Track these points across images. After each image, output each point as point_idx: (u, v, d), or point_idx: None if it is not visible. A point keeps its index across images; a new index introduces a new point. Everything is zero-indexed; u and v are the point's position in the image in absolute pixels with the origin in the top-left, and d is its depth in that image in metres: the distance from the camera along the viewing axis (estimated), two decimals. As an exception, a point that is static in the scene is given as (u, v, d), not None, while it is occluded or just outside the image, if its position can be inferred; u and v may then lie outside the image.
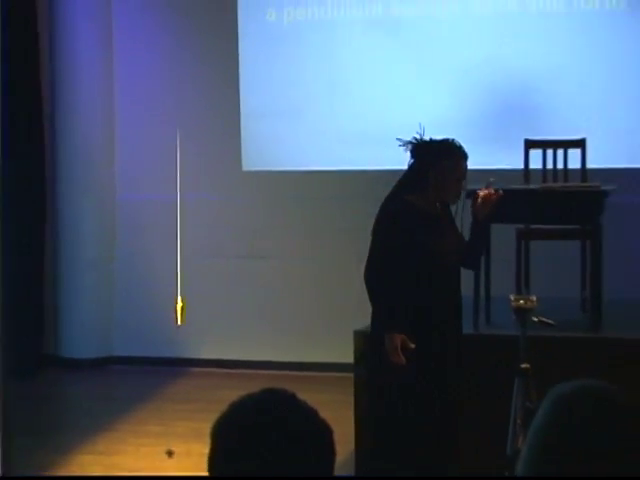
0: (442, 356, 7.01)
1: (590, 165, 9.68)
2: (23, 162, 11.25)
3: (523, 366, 6.78)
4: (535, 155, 9.48)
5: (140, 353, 12.18)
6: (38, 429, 9.51)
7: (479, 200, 7.22)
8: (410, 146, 7.37)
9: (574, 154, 9.66)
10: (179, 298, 10.78)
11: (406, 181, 7.45)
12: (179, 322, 10.94)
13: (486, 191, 7.15)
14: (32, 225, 11.83)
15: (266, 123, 12.05)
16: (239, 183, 12.09)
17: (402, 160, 11.37)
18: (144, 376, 11.73)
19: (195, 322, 11.56)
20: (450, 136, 7.29)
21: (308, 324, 11.65)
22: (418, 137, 7.35)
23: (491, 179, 7.32)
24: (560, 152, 9.56)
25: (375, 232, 7.47)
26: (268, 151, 12.08)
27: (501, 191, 7.19)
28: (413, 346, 6.97)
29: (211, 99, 12.06)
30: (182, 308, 10.91)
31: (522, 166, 9.46)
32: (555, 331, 7.24)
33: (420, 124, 7.46)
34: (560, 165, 9.58)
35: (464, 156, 7.26)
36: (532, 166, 9.47)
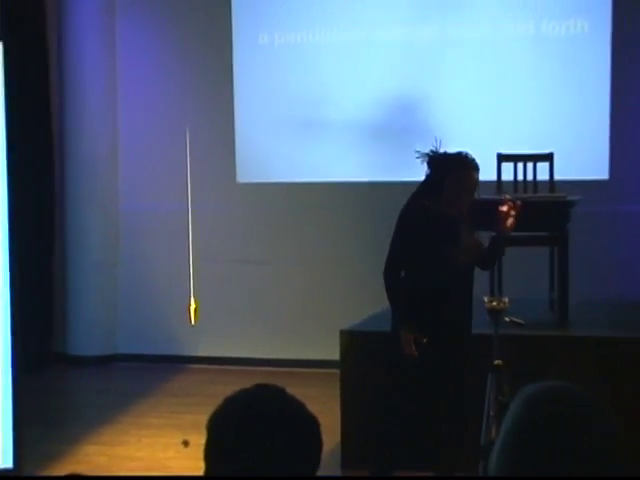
0: (452, 351, 7.01)
1: (557, 177, 9.70)
2: (34, 174, 11.26)
3: (496, 362, 6.78)
4: (507, 168, 9.49)
5: (142, 351, 12.17)
6: (46, 421, 9.50)
7: (501, 215, 7.23)
8: (427, 158, 7.36)
9: (543, 167, 9.69)
10: (192, 300, 10.81)
11: (423, 190, 7.44)
12: (193, 322, 10.97)
13: (506, 207, 7.15)
14: (41, 232, 11.83)
15: (259, 139, 12.07)
16: (234, 194, 12.10)
17: (387, 172, 11.47)
18: (145, 372, 11.71)
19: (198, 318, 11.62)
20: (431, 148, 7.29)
21: (297, 324, 11.66)
22: (434, 149, 7.35)
23: (506, 195, 7.32)
24: (530, 165, 9.59)
25: (393, 235, 7.45)
26: (260, 165, 12.08)
27: (519, 202, 7.21)
28: (425, 340, 7.01)
29: (208, 116, 12.05)
30: (195, 309, 10.94)
31: (495, 178, 9.46)
32: (525, 330, 7.24)
33: (436, 138, 7.46)
34: (530, 177, 9.60)
35: (475, 168, 7.25)
36: (504, 178, 9.47)
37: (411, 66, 11.61)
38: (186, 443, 8.77)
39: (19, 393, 8.12)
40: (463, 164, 7.27)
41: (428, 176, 7.40)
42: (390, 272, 7.33)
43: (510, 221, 7.21)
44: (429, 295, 7.10)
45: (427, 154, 7.37)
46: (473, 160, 7.29)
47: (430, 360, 7.00)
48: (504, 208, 7.19)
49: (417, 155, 7.42)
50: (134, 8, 12.40)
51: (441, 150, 7.35)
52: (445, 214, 7.24)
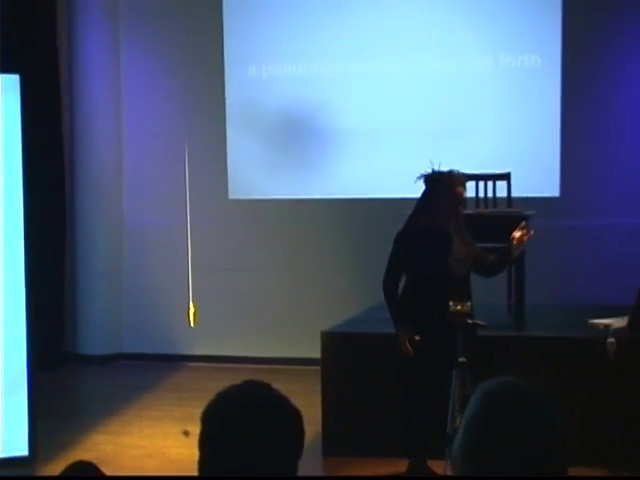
0: (442, 349, 7.00)
1: (514, 194, 9.72)
2: (48, 192, 11.22)
3: (460, 360, 6.76)
4: (469, 186, 9.48)
5: (145, 350, 12.11)
6: (58, 413, 9.45)
7: (514, 242, 7.23)
8: (421, 177, 7.40)
9: (501, 185, 9.70)
10: (191, 304, 10.80)
11: (418, 205, 7.48)
12: (192, 324, 10.97)
13: (519, 233, 7.14)
14: (54, 244, 11.80)
15: (248, 161, 12.06)
16: (226, 209, 12.09)
17: (363, 191, 11.47)
18: (147, 369, 11.66)
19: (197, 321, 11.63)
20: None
21: (282, 326, 11.62)
22: (430, 170, 7.34)
23: (523, 223, 7.30)
24: (490, 183, 9.58)
25: (391, 250, 7.52)
26: (249, 183, 12.07)
27: (532, 232, 7.23)
28: (418, 338, 7.08)
29: (203, 141, 12.03)
30: (194, 313, 10.94)
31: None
32: (486, 331, 7.23)
33: (430, 160, 7.47)
34: (490, 194, 9.61)
35: (457, 184, 7.27)
36: (467, 194, 9.48)
37: (385, 95, 11.61)
38: (187, 433, 8.75)
39: (34, 388, 8.13)
40: (445, 181, 7.28)
41: (422, 192, 7.47)
42: (387, 282, 7.43)
43: (521, 247, 7.25)
44: (425, 299, 7.11)
45: (423, 174, 7.41)
46: (458, 177, 7.34)
47: (428, 356, 7.01)
48: (517, 234, 7.22)
49: (417, 176, 7.46)
50: (137, 41, 12.38)
51: (436, 170, 7.38)
52: (435, 228, 7.27)
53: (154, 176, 12.22)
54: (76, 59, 12.38)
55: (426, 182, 7.36)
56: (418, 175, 7.44)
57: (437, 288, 7.10)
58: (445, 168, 7.41)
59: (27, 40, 11.72)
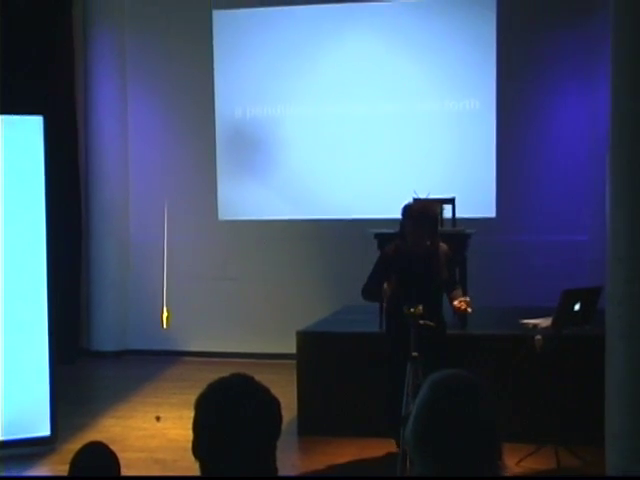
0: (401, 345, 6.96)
1: (458, 215, 9.73)
2: (66, 216, 11.17)
3: (414, 354, 6.74)
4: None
5: (147, 347, 12.06)
6: (75, 400, 9.40)
7: (455, 310, 7.16)
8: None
9: (447, 208, 9.71)
10: (165, 308, 10.75)
11: (400, 229, 7.40)
12: (165, 326, 10.91)
13: (460, 305, 6.99)
14: (72, 258, 11.77)
15: (234, 188, 12.07)
16: (216, 228, 12.10)
17: (330, 212, 11.47)
18: (149, 363, 11.60)
19: (185, 324, 11.63)
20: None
21: (263, 326, 11.61)
22: (412, 198, 7.33)
23: (467, 298, 7.17)
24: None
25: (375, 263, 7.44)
26: (235, 206, 12.08)
27: (470, 310, 7.07)
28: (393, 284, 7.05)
29: (197, 173, 12.06)
30: (167, 317, 10.88)
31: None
32: (434, 329, 7.23)
33: (414, 190, 7.50)
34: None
35: (411, 215, 7.16)
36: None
37: (351, 132, 11.66)
38: (158, 418, 8.77)
39: (55, 379, 8.10)
40: (409, 211, 7.22)
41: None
42: (365, 287, 7.28)
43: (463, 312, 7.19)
44: (400, 300, 7.04)
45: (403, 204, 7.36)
46: (411, 208, 7.23)
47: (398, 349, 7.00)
48: (457, 305, 7.05)
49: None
50: (141, 88, 12.36)
51: (415, 198, 7.34)
52: (407, 251, 7.19)
53: (155, 202, 12.18)
54: (90, 103, 12.36)
55: (404, 211, 7.27)
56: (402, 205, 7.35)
57: (406, 296, 7.06)
58: (423, 196, 7.38)
59: (50, 87, 11.70)
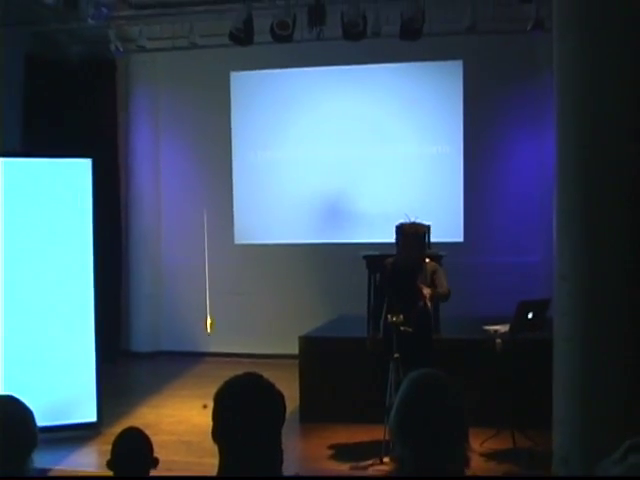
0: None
1: (433, 240, 9.73)
2: (109, 241, 11.15)
3: (396, 355, 6.72)
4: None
5: (176, 349, 12.05)
6: (116, 393, 9.37)
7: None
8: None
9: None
10: (208, 318, 10.79)
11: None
12: (209, 331, 10.96)
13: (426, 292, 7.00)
14: (114, 276, 11.75)
15: (248, 217, 12.09)
16: (233, 251, 12.11)
17: (327, 237, 11.46)
18: (178, 362, 11.57)
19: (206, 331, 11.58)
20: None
21: (271, 332, 11.59)
22: (404, 220, 7.25)
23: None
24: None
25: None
26: (249, 232, 12.10)
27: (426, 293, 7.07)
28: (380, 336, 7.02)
29: (217, 203, 12.06)
30: (211, 324, 10.93)
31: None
32: (412, 334, 7.21)
33: (406, 214, 7.33)
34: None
35: (404, 233, 7.09)
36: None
37: (342, 171, 11.71)
38: (205, 406, 8.72)
39: (100, 375, 8.11)
40: (399, 229, 7.19)
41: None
42: (370, 305, 7.33)
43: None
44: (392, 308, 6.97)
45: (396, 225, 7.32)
46: (403, 227, 7.16)
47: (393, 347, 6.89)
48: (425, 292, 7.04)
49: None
50: (172, 135, 12.40)
51: (405, 221, 7.24)
52: (400, 265, 7.11)
53: (183, 230, 12.23)
54: (130, 148, 12.41)
55: (397, 230, 7.23)
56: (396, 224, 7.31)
57: (395, 305, 7.01)
58: (412, 219, 7.32)
59: (97, 134, 11.72)
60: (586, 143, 6.15)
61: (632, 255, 6.14)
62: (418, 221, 7.32)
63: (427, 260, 7.28)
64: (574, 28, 6.17)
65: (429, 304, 7.14)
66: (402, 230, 7.15)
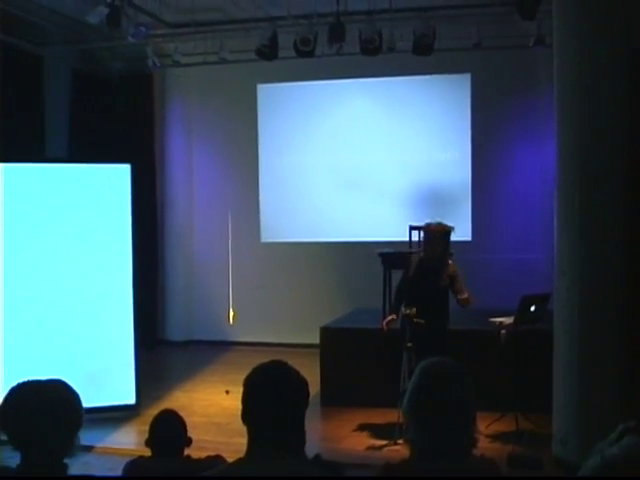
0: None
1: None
2: (146, 238, 11.18)
3: (409, 345, 6.72)
4: (414, 233, 9.47)
5: (207, 338, 12.06)
6: (153, 377, 9.40)
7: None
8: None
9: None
10: (231, 310, 10.80)
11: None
12: (231, 322, 10.98)
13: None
14: (150, 270, 11.78)
15: (273, 217, 12.08)
16: (259, 248, 12.11)
17: (343, 236, 11.42)
18: (208, 350, 11.58)
19: (235, 321, 11.60)
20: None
21: (294, 323, 11.54)
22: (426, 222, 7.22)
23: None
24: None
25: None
26: (274, 231, 12.10)
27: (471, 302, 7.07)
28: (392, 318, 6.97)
29: (244, 203, 12.08)
30: (234, 316, 10.94)
31: (407, 239, 9.40)
32: (425, 326, 7.20)
33: (432, 216, 7.35)
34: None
35: (431, 231, 7.06)
36: (413, 239, 9.43)
37: (360, 175, 11.67)
38: (227, 392, 8.75)
39: (138, 361, 8.13)
40: (426, 228, 7.17)
41: None
42: (392, 297, 7.18)
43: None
44: (414, 301, 6.91)
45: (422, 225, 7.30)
46: (429, 226, 7.12)
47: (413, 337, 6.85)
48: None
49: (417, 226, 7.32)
50: (204, 143, 12.42)
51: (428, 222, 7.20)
52: (423, 263, 7.07)
53: (213, 228, 12.25)
54: (165, 155, 12.45)
55: (425, 230, 7.19)
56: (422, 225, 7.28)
57: (417, 299, 6.93)
58: (437, 220, 7.29)
59: (135, 142, 11.78)
60: (583, 150, 6.16)
61: (625, 253, 6.13)
62: (443, 222, 7.29)
63: (450, 262, 7.20)
64: (573, 44, 6.17)
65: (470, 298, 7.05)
66: (428, 229, 7.11)
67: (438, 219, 7.28)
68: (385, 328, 7.03)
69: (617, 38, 6.07)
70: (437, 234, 7.05)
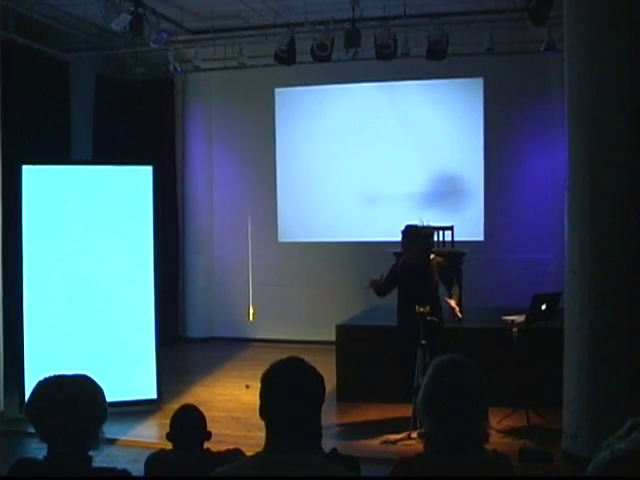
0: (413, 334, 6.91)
1: (456, 239, 9.70)
2: (168, 238, 11.24)
3: (423, 342, 6.74)
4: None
5: (226, 335, 12.08)
6: (174, 373, 9.45)
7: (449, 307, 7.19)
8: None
9: (448, 233, 9.69)
10: (251, 307, 10.81)
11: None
12: (251, 319, 10.99)
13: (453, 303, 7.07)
14: (172, 270, 11.85)
15: (290, 217, 12.09)
16: (276, 248, 12.12)
17: (359, 235, 11.41)
18: (228, 347, 11.59)
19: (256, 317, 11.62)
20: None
21: (310, 321, 11.55)
22: (414, 223, 7.26)
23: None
24: (441, 232, 9.57)
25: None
26: (291, 231, 12.11)
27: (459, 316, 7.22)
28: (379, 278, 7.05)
29: (262, 205, 12.09)
30: (254, 313, 10.96)
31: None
32: (437, 324, 7.20)
33: (420, 218, 7.36)
34: (441, 239, 9.60)
35: (410, 234, 7.11)
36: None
37: (376, 179, 11.64)
38: (248, 387, 8.76)
39: (160, 357, 8.16)
40: (408, 232, 7.19)
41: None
42: (383, 286, 7.22)
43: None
44: (404, 304, 7.04)
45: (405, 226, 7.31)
46: (408, 229, 7.16)
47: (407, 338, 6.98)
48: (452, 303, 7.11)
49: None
50: (223, 146, 12.44)
51: (414, 224, 7.25)
52: (410, 263, 7.14)
53: (233, 229, 12.27)
54: (186, 157, 12.47)
55: (402, 233, 7.23)
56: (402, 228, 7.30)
57: (409, 298, 7.08)
58: (425, 222, 7.33)
59: (158, 144, 11.84)
60: (593, 152, 6.14)
61: (635, 252, 6.12)
62: (427, 224, 7.31)
63: (438, 259, 7.27)
64: (583, 49, 6.15)
65: (459, 314, 7.23)
66: (404, 231, 7.19)
67: (427, 221, 7.37)
68: (369, 285, 7.09)
69: (627, 43, 6.06)
70: (410, 236, 7.11)
